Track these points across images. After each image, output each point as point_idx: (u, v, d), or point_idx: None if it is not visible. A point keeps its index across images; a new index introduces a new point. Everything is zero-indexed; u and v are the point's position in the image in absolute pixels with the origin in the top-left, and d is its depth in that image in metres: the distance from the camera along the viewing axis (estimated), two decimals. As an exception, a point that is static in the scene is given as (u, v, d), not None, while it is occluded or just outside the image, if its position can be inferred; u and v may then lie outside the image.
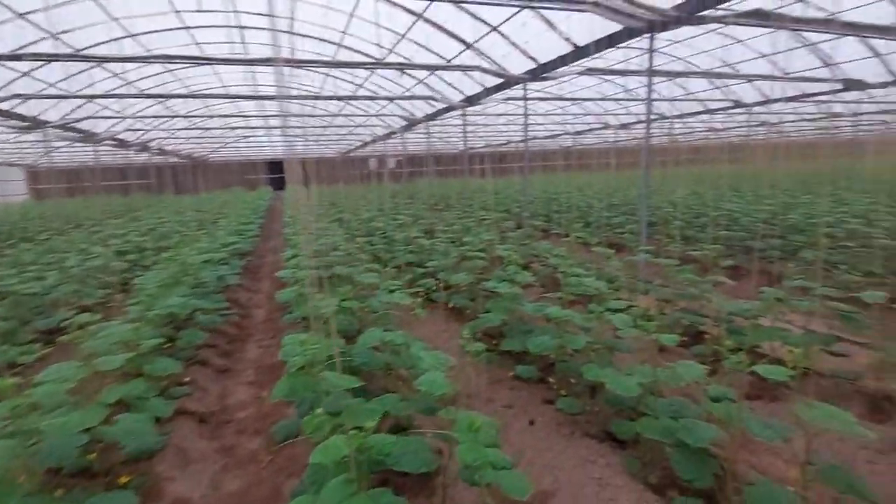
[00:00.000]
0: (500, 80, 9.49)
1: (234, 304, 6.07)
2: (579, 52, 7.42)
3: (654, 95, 15.80)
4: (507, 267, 3.82)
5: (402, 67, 8.77)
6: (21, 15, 7.25)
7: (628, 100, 13.27)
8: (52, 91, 10.39)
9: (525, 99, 8.93)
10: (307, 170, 34.43)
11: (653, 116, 18.05)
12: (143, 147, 19.71)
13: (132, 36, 9.55)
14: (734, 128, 20.11)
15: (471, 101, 11.36)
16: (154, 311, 3.57)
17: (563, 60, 7.74)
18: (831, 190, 9.93)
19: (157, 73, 12.44)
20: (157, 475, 2.76)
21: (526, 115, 8.91)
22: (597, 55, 7.37)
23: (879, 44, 9.46)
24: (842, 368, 3.25)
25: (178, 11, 8.94)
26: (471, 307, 4.58)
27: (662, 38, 12.16)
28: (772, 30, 9.09)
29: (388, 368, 2.97)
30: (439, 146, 28.28)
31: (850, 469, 1.84)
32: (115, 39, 9.31)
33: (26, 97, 9.37)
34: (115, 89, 11.86)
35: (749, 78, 10.74)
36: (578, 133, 23.34)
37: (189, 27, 9.85)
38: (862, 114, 14.69)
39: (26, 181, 26.74)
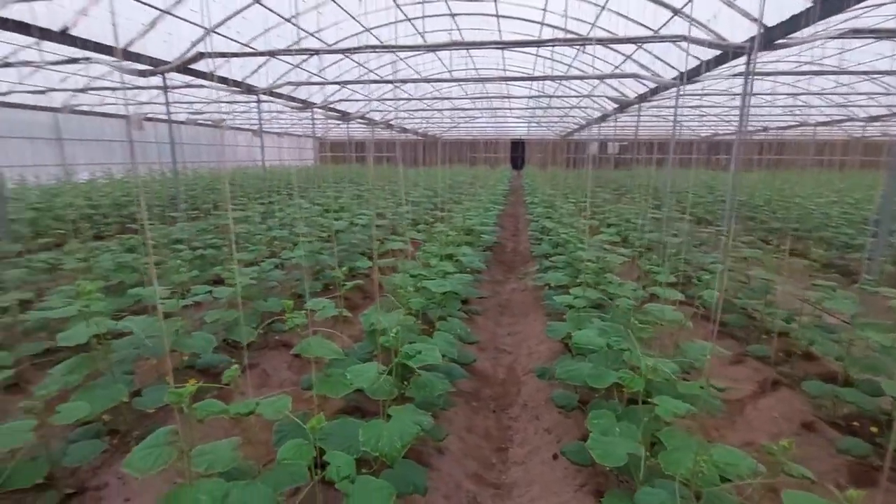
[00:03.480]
0: (717, 52, 7.75)
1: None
2: (829, 7, 5.46)
3: None
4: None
5: (589, 43, 8.00)
6: (287, 19, 9.43)
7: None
8: (315, 79, 13.23)
9: (748, 74, 7.11)
10: (523, 151, 35.13)
11: None
12: (387, 125, 23.35)
13: (368, 30, 11.31)
14: None
15: (686, 78, 9.64)
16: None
17: (803, 19, 5.83)
18: None
19: (392, 62, 14.46)
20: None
21: (744, 96, 7.12)
22: (857, 5, 5.32)
23: None
24: None
25: (399, 5, 10.15)
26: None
27: None
28: None
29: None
30: (670, 131, 24.87)
31: None
32: (356, 35, 11.19)
33: (296, 84, 12.20)
34: (360, 76, 14.34)
35: None
36: (873, 119, 17.23)
37: (410, 18, 11.07)
38: None
39: (316, 150, 34.96)
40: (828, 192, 11.02)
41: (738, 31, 6.95)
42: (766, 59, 10.75)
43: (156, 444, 1.52)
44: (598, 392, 2.71)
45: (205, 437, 2.94)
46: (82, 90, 11.59)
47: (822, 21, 5.73)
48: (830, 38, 6.12)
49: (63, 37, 7.00)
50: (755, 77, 9.90)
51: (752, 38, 6.64)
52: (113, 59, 8.04)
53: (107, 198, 9.97)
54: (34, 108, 13.76)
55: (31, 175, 13.30)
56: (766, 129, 21.61)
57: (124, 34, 8.02)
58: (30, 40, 7.44)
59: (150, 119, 16.73)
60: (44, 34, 6.67)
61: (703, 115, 19.52)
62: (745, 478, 1.60)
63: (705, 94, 13.32)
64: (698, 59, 8.88)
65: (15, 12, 6.18)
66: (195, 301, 3.71)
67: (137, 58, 8.34)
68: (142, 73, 8.55)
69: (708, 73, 8.99)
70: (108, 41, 7.66)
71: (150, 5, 7.89)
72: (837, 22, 6.14)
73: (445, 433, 2.82)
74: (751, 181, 15.04)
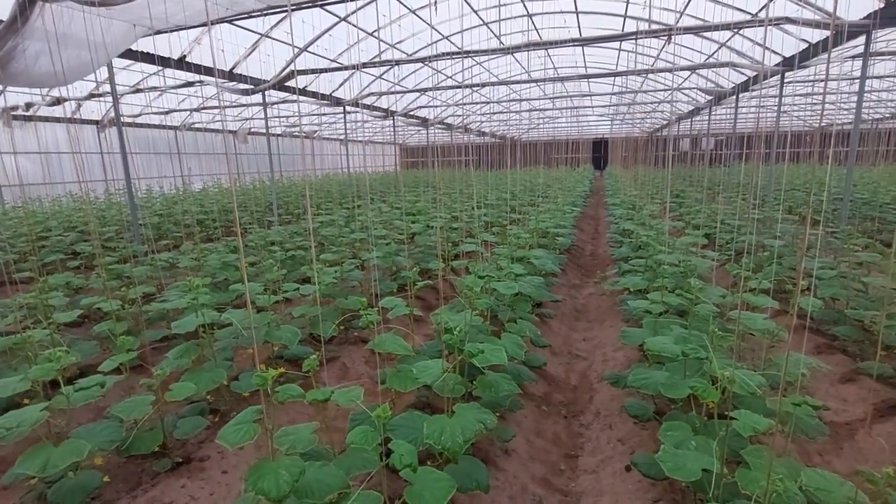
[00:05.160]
0: (829, 33, 6.92)
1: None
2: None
3: None
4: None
5: (677, 33, 7.51)
6: (370, 34, 9.95)
7: None
8: (396, 88, 13.77)
9: (867, 55, 6.27)
10: (606, 150, 33.63)
11: None
12: (465, 129, 23.64)
13: (446, 38, 11.57)
14: None
15: (791, 63, 8.71)
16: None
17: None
18: None
19: (468, 68, 14.64)
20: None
21: (863, 80, 6.29)
22: None
23: None
24: None
25: (476, 10, 10.27)
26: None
27: None
28: None
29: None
30: (784, 123, 22.45)
31: None
32: (433, 43, 11.50)
33: (379, 94, 12.80)
34: (438, 83, 14.69)
35: None
36: None
37: (487, 22, 11.16)
38: None
39: (397, 156, 36.30)
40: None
41: (854, 8, 6.17)
42: (890, 37, 9.38)
43: (244, 420, 1.71)
44: (675, 403, 2.56)
45: (290, 421, 3.21)
46: (197, 109, 13.12)
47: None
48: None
49: (180, 63, 8.00)
50: (878, 58, 8.67)
51: (871, 15, 5.86)
52: (221, 80, 9.03)
53: (216, 204, 11.18)
54: (158, 126, 15.82)
55: (156, 185, 15.30)
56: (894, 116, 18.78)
57: (229, 58, 8.96)
58: (154, 68, 8.56)
59: (252, 133, 18.47)
60: (165, 62, 7.67)
61: (815, 104, 17.44)
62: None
63: (817, 80, 11.91)
64: (806, 41, 8.01)
65: (141, 45, 7.18)
66: (285, 297, 4.06)
67: (241, 78, 9.28)
68: (244, 92, 9.50)
69: (819, 57, 8.06)
70: (217, 65, 8.61)
71: (249, 30, 8.75)
72: None
73: (513, 434, 2.82)
74: (875, 177, 13.16)
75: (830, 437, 2.90)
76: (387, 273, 5.69)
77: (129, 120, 14.25)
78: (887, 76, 11.32)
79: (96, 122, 14.29)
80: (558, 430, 3.26)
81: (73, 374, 3.41)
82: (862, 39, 6.26)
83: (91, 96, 10.30)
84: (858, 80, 6.34)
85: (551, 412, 3.45)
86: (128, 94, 10.66)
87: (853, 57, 8.73)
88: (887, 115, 18.63)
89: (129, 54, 7.22)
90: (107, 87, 10.58)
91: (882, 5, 5.72)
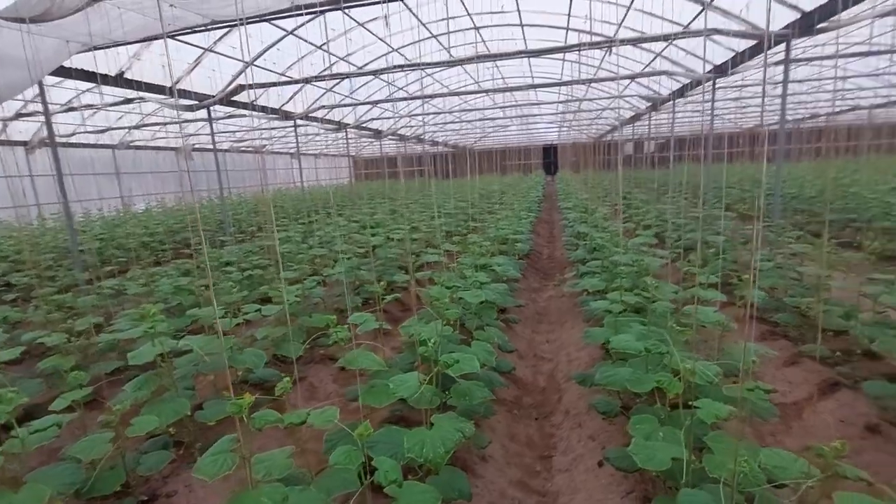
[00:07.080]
0: (753, 42, 7.53)
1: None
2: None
3: None
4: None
5: (616, 44, 7.94)
6: (319, 47, 9.87)
7: None
8: (347, 101, 13.69)
9: (787, 62, 6.86)
10: (556, 156, 34.73)
11: None
12: (418, 139, 23.76)
13: (395, 50, 11.64)
14: None
15: (721, 70, 9.37)
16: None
17: (841, 1, 5.60)
18: None
19: (419, 79, 14.78)
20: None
21: (785, 84, 6.86)
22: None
23: None
24: None
25: (424, 24, 10.40)
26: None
27: None
28: None
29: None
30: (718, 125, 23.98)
31: None
32: (383, 55, 11.55)
33: (330, 107, 12.67)
34: (389, 95, 14.73)
35: None
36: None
37: (436, 35, 11.32)
38: None
39: (351, 168, 35.90)
40: (891, 179, 10.34)
41: (778, 19, 6.74)
42: (807, 45, 10.29)
43: (220, 451, 1.65)
44: (640, 397, 2.68)
45: (260, 447, 3.10)
46: (136, 127, 12.51)
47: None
48: (878, 16, 5.83)
49: (119, 80, 7.62)
50: (798, 63, 9.49)
51: (790, 25, 6.43)
52: (163, 96, 8.66)
53: (161, 226, 10.65)
54: (94, 146, 14.93)
55: (95, 208, 14.40)
56: (815, 116, 20.53)
57: (173, 73, 8.62)
58: (90, 84, 8.12)
59: (197, 149, 17.76)
60: (103, 79, 7.29)
61: (744, 107, 18.78)
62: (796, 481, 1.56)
63: (745, 86, 12.86)
64: (733, 50, 8.64)
65: (76, 62, 6.80)
66: (246, 319, 3.93)
67: (185, 94, 8.94)
68: (189, 108, 9.16)
69: (745, 64, 8.72)
70: (159, 81, 8.26)
71: (193, 45, 8.47)
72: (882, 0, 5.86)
73: (488, 441, 2.86)
74: (801, 172, 14.32)
75: (780, 418, 3.13)
76: (349, 287, 5.62)
77: (63, 140, 13.36)
78: (806, 80, 12.42)
79: (24, 144, 13.31)
80: (531, 432, 3.33)
81: (19, 416, 3.15)
82: (783, 47, 6.83)
83: (19, 116, 9.61)
84: (781, 84, 6.92)
85: (523, 415, 3.52)
86: (60, 112, 10.02)
87: (775, 63, 9.48)
88: (807, 116, 20.33)
89: (63, 71, 6.81)
90: (35, 106, 9.91)
91: (799, 16, 6.29)
